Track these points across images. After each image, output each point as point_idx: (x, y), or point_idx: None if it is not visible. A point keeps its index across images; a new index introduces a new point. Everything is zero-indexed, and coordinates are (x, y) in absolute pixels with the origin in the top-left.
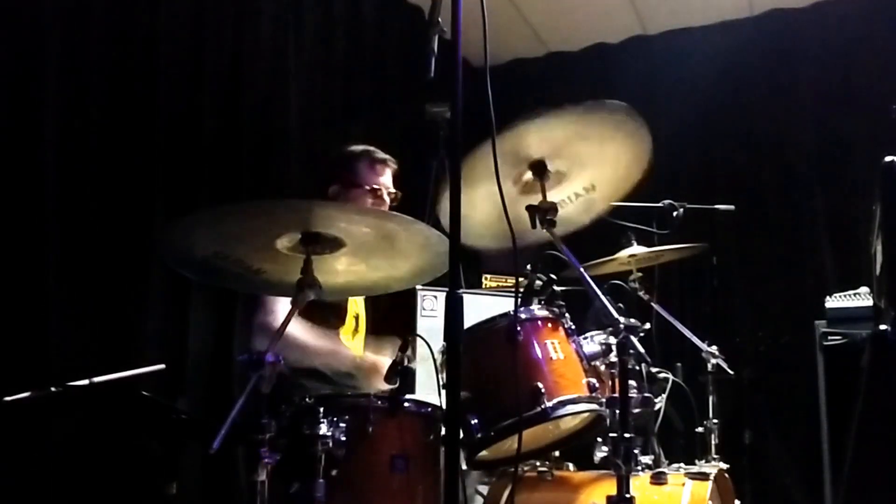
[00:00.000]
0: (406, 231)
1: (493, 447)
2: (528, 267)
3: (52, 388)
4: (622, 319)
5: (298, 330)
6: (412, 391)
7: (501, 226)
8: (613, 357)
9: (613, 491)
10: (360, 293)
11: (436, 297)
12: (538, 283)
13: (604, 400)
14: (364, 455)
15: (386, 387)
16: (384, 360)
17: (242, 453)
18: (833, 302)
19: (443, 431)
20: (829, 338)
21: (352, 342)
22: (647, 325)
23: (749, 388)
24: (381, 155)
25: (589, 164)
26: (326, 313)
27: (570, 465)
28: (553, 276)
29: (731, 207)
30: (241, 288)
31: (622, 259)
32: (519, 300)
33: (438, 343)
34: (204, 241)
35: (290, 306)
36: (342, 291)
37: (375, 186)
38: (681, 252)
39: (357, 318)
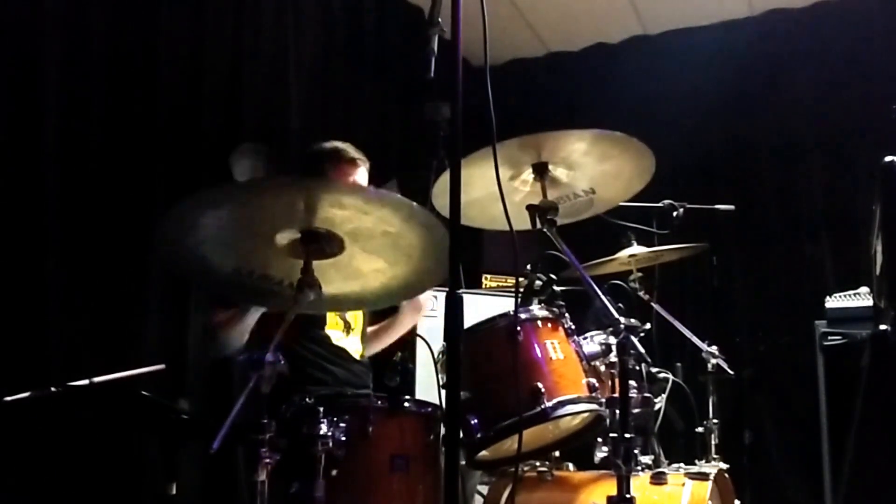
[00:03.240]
0: (398, 213)
1: (493, 447)
2: (528, 267)
3: (52, 388)
4: (622, 319)
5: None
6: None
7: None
8: (613, 357)
9: (613, 491)
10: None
11: (436, 297)
12: (538, 283)
13: (604, 400)
14: (364, 455)
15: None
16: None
17: (242, 453)
18: (833, 302)
19: (443, 431)
20: (829, 338)
21: (346, 339)
22: (647, 325)
23: (749, 388)
24: (349, 154)
25: (591, 174)
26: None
27: (570, 465)
28: (553, 276)
29: (731, 207)
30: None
31: (622, 259)
32: (519, 300)
33: (438, 343)
34: (202, 235)
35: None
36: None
37: None
38: (681, 252)
39: (343, 316)
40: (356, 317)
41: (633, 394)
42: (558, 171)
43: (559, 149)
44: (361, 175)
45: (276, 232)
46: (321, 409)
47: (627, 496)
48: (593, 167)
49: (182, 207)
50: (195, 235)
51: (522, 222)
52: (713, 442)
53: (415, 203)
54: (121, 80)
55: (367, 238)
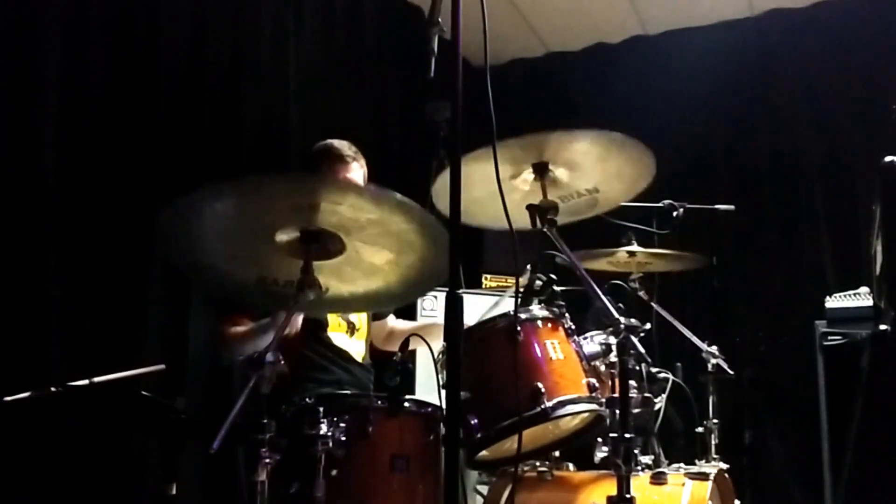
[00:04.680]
0: (397, 214)
1: (493, 447)
2: (528, 267)
3: (52, 388)
4: (622, 319)
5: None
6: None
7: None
8: (613, 357)
9: (613, 491)
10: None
11: (436, 297)
12: (538, 283)
13: (604, 400)
14: (364, 455)
15: None
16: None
17: (242, 453)
18: (833, 302)
19: (443, 431)
20: (829, 338)
21: (350, 342)
22: (647, 326)
23: (749, 388)
24: (338, 151)
25: (591, 174)
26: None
27: (570, 465)
28: (553, 276)
29: (731, 207)
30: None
31: (621, 256)
32: (519, 300)
33: (438, 343)
34: (206, 235)
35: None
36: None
37: None
38: (682, 262)
39: (347, 317)
40: (360, 318)
41: (633, 394)
42: (559, 171)
43: (560, 149)
44: (355, 172)
45: (275, 230)
46: (321, 409)
47: (627, 496)
48: (594, 167)
49: (183, 201)
50: (198, 237)
51: (523, 222)
52: (713, 442)
53: (405, 198)
54: (121, 80)
55: (364, 231)
